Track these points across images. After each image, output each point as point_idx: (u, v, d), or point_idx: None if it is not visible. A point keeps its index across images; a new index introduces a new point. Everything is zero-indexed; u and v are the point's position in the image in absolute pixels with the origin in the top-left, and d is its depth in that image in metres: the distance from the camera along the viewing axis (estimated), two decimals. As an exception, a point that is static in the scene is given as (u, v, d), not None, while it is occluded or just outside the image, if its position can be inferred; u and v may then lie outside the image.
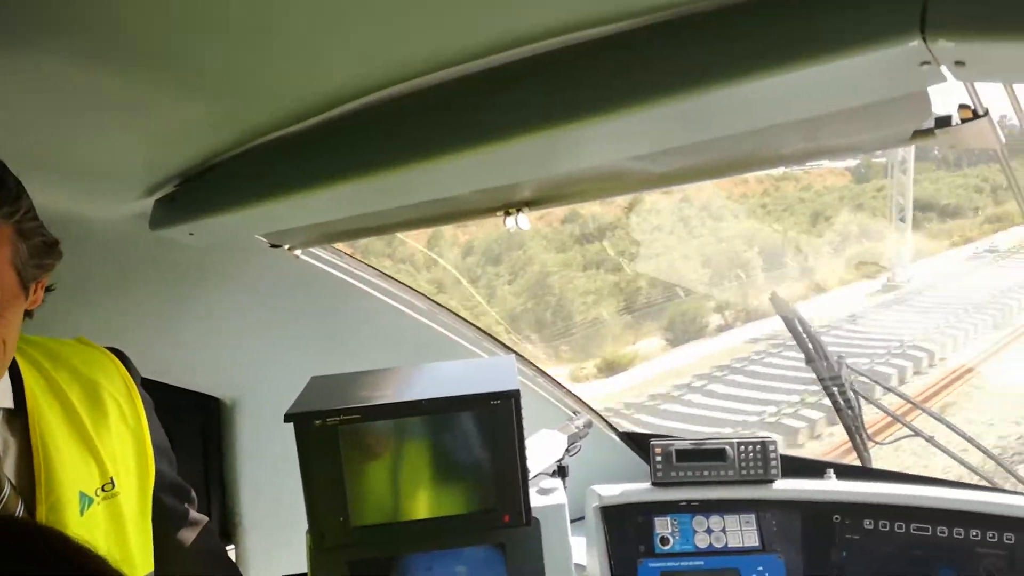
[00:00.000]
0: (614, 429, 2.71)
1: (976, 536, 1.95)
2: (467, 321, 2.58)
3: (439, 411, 1.78)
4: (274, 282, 2.29)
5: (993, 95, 1.13)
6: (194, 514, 1.68)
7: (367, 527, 1.79)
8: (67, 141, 1.55)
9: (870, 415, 2.60)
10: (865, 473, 2.48)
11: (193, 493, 1.71)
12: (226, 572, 1.79)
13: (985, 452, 2.43)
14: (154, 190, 1.90)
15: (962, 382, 10.94)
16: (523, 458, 1.82)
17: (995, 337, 13.32)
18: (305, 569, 1.83)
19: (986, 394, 10.47)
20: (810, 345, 2.45)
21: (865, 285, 19.49)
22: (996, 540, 1.93)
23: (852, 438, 2.52)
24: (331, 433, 1.73)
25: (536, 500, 2.00)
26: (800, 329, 2.40)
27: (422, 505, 1.83)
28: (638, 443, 2.72)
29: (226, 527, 2.38)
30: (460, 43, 1.13)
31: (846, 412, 2.51)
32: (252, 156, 1.69)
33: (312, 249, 2.25)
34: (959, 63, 0.85)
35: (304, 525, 1.81)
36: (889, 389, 2.86)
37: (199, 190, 1.85)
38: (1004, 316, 14.58)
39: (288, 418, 1.70)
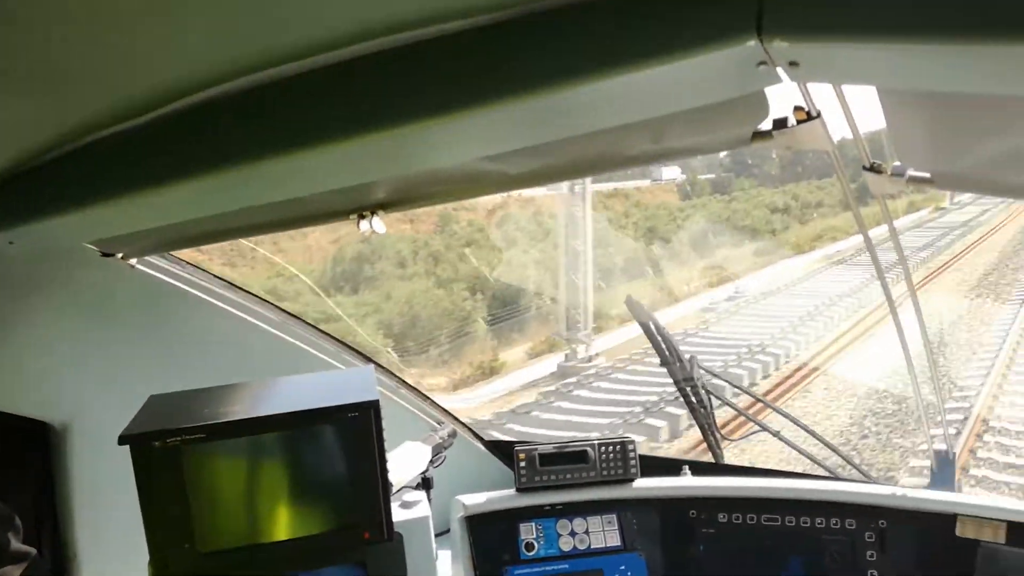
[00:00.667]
0: (480, 438, 2.68)
1: (821, 524, 2.06)
2: (324, 332, 2.48)
3: (293, 426, 1.70)
4: (107, 294, 2.10)
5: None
6: (17, 545, 1.51)
7: (216, 553, 1.67)
8: None
9: (729, 415, 2.73)
10: (719, 469, 2.59)
11: (18, 521, 1.54)
12: None
13: (827, 444, 2.59)
14: (-33, 192, 1.70)
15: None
16: (384, 471, 1.76)
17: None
18: (147, 604, 1.69)
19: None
20: (665, 348, 2.53)
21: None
22: (839, 527, 2.05)
23: (706, 436, 2.62)
24: (172, 454, 1.61)
25: (398, 514, 1.95)
26: (655, 333, 2.47)
27: (277, 526, 1.72)
28: (504, 451, 2.71)
29: (59, 562, 2.16)
30: (304, 36, 1.07)
31: (699, 411, 2.61)
32: (79, 156, 1.54)
33: (149, 258, 2.08)
34: (793, 64, 0.88)
35: (144, 556, 1.67)
36: (741, 389, 3.01)
37: (18, 194, 1.67)
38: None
39: (123, 440, 1.56)
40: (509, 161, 1.27)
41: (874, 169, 1.33)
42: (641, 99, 1.03)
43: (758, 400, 3.04)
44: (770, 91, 1.09)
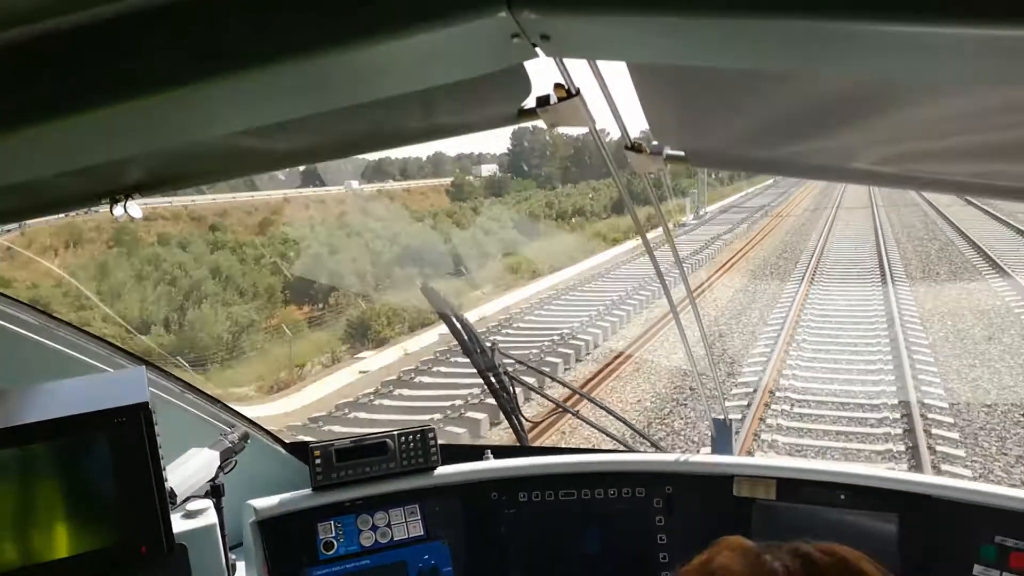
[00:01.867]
0: (279, 440, 2.56)
1: (614, 494, 2.16)
2: (93, 336, 2.25)
3: (56, 435, 1.53)
4: None
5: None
6: None
7: (-18, 577, 1.48)
8: None
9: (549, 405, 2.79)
10: (524, 452, 2.64)
11: None
12: None
13: (617, 417, 2.72)
14: None
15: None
16: (159, 479, 1.62)
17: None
18: None
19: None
20: (465, 337, 2.54)
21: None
22: (630, 495, 2.15)
23: (510, 420, 2.66)
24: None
25: (181, 524, 1.82)
26: (454, 320, 2.47)
27: (49, 546, 1.56)
28: (303, 451, 2.60)
29: None
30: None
31: (503, 397, 2.65)
32: None
33: None
34: (544, 36, 0.89)
35: None
36: (541, 372, 3.08)
37: None
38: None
39: None
40: (275, 137, 1.20)
41: (635, 148, 1.40)
42: (404, 69, 1.00)
43: (556, 381, 3.13)
44: (532, 68, 1.11)
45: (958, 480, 2.01)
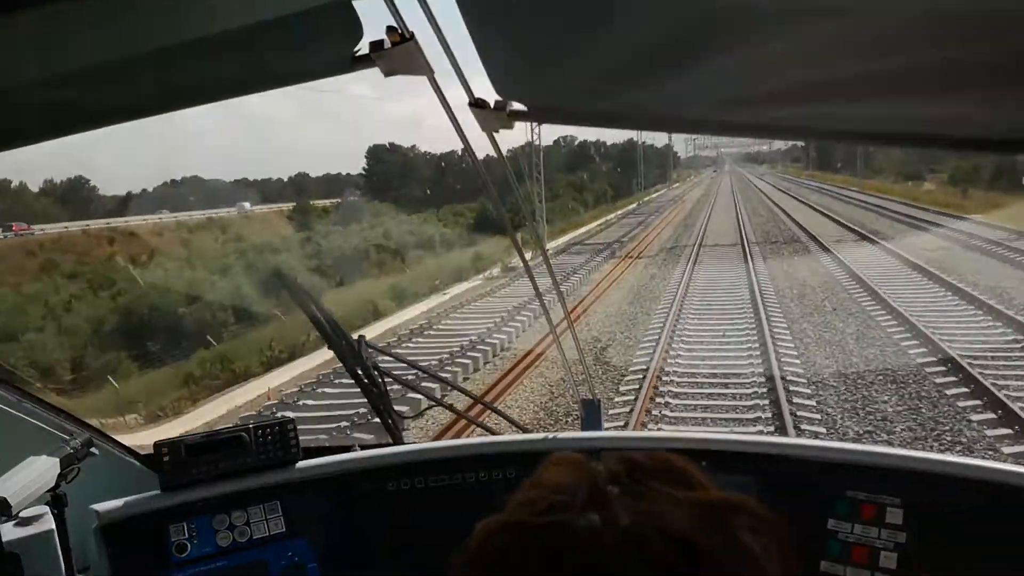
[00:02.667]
0: (128, 449, 2.39)
1: (484, 477, 2.13)
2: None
3: None
4: None
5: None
6: None
7: None
8: None
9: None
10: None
11: None
12: None
13: (479, 401, 2.70)
14: None
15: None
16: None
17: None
18: None
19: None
20: (329, 329, 2.45)
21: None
22: (501, 477, 2.13)
23: (380, 415, 2.58)
24: None
25: (12, 533, 1.67)
26: (315, 311, 2.37)
27: None
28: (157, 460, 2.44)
29: None
30: None
31: (372, 392, 2.57)
32: None
33: None
34: None
35: None
36: (412, 366, 3.02)
37: None
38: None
39: None
40: (85, 89, 1.10)
41: (478, 105, 1.40)
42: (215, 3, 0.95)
43: (426, 374, 3.09)
44: (363, 11, 1.09)
45: (811, 440, 2.11)
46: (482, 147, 1.73)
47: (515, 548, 0.63)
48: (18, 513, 1.77)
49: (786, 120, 1.21)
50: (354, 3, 1.01)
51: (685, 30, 0.99)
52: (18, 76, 1.03)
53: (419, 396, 2.70)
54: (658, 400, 9.73)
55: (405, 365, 3.12)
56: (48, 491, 1.90)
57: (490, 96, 1.37)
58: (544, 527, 0.63)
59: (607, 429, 2.55)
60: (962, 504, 1.78)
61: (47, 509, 1.80)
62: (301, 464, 2.08)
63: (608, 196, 62.81)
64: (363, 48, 1.14)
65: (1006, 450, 7.73)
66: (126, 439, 2.44)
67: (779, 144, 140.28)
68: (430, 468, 2.13)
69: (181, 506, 1.94)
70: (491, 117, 1.40)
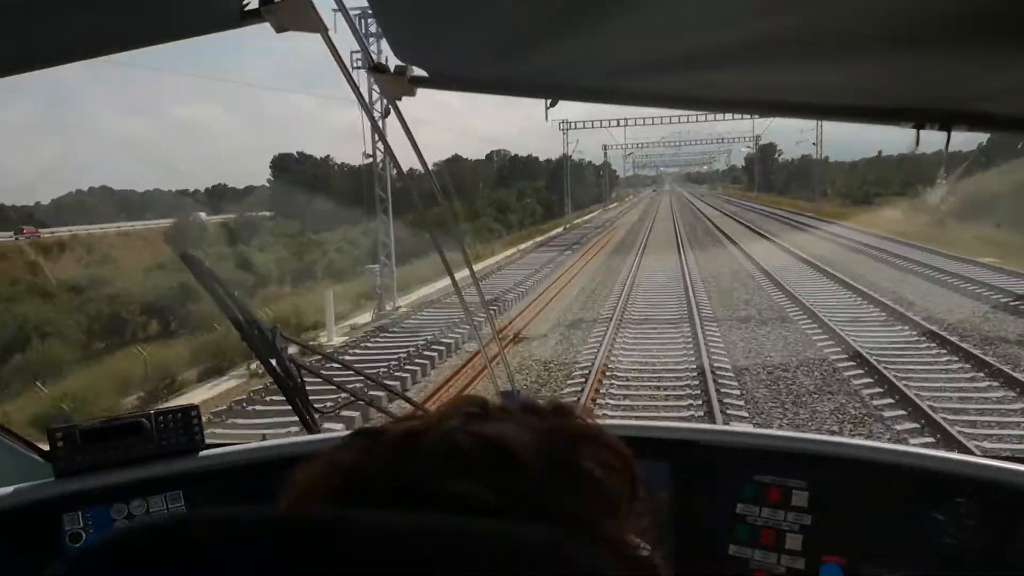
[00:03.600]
0: (13, 434, 2.24)
1: None
2: None
3: None
4: None
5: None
6: None
7: None
8: None
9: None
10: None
11: None
12: None
13: (384, 387, 2.67)
14: None
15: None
16: None
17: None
18: None
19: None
20: (240, 317, 2.36)
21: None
22: None
23: (294, 406, 2.51)
24: None
25: None
26: (226, 299, 2.28)
27: None
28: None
29: None
30: None
31: (287, 384, 2.51)
32: None
33: None
34: None
35: None
36: (328, 356, 2.97)
37: None
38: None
39: None
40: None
41: (379, 69, 1.38)
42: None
43: (342, 365, 3.04)
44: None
45: (720, 425, 2.14)
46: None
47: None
48: None
49: (680, 88, 1.23)
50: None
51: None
52: None
53: (335, 387, 2.64)
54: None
55: (321, 357, 3.06)
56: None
57: (391, 62, 1.35)
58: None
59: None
60: (864, 485, 1.82)
61: None
62: (205, 452, 2.01)
63: (538, 216, 58.38)
64: (252, 2, 1.12)
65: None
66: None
67: (719, 165, 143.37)
68: None
69: (76, 494, 1.85)
70: (392, 83, 1.38)
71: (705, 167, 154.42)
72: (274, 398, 10.96)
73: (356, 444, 0.64)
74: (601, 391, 10.77)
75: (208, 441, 2.04)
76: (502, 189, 65.16)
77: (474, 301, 2.46)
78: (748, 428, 1.96)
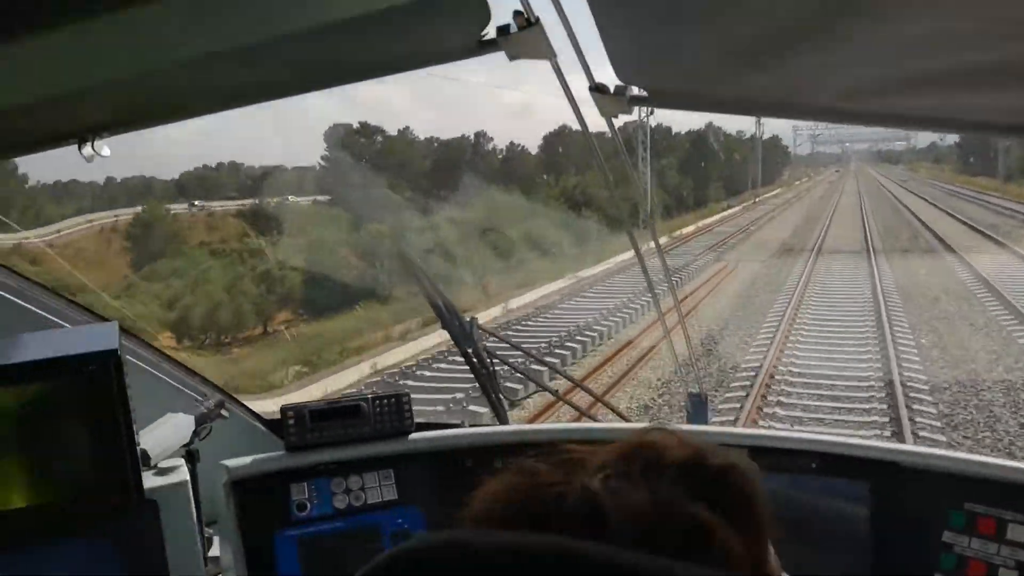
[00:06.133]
0: (251, 411, 2.56)
1: None
2: (70, 300, 2.26)
3: (24, 380, 1.53)
4: None
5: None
6: None
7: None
8: None
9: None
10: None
11: None
12: None
13: (584, 389, 2.74)
14: None
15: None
16: (130, 431, 1.63)
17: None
18: None
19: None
20: (444, 310, 2.54)
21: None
22: None
23: (487, 396, 2.66)
24: None
25: (153, 481, 1.82)
26: (432, 293, 2.47)
27: (15, 494, 1.56)
28: (279, 426, 2.60)
29: None
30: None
31: (481, 372, 2.65)
32: None
33: None
34: None
35: None
36: (523, 351, 3.09)
37: None
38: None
39: None
40: (233, 69, 1.21)
41: (599, 89, 1.42)
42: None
43: (532, 358, 3.14)
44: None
45: (927, 448, 2.03)
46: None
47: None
48: (156, 464, 1.94)
49: (918, 110, 1.17)
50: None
51: (810, 13, 0.98)
52: (169, 56, 1.13)
53: (525, 379, 2.74)
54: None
55: (512, 348, 3.19)
56: (183, 446, 2.07)
57: (610, 81, 1.39)
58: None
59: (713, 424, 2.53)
60: None
61: (183, 462, 1.96)
62: (414, 436, 2.17)
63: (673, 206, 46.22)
64: (490, 32, 1.19)
65: None
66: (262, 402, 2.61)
67: (917, 142, 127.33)
68: (533, 449, 2.17)
69: (303, 468, 2.06)
70: (611, 102, 1.42)
71: (901, 143, 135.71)
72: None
73: (557, 473, 0.71)
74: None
75: (417, 422, 2.21)
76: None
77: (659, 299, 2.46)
78: (956, 453, 1.83)
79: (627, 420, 2.56)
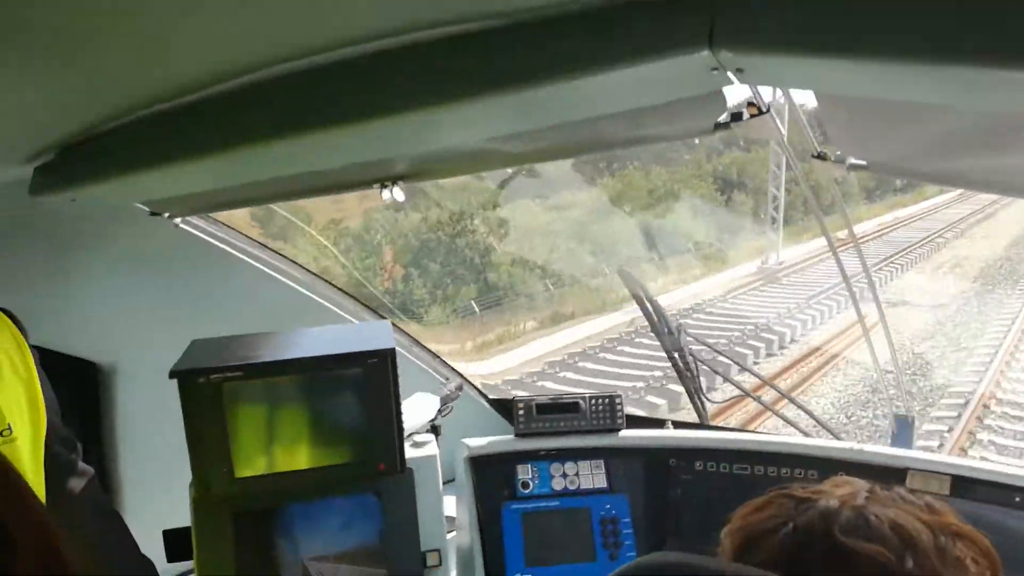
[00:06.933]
0: (483, 394, 2.92)
1: (786, 474, 2.29)
2: (345, 292, 2.72)
3: (319, 368, 1.93)
4: (153, 249, 2.36)
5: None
6: (82, 464, 1.75)
7: (250, 478, 1.91)
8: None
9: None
10: (703, 428, 2.81)
11: (79, 445, 1.78)
12: (110, 521, 1.87)
13: (792, 400, 2.81)
14: (33, 157, 1.93)
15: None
16: (398, 413, 1.99)
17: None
18: (186, 523, 1.93)
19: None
20: (655, 317, 2.74)
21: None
22: (802, 476, 2.27)
23: (692, 399, 2.84)
24: (215, 389, 1.84)
25: (410, 452, 2.17)
26: (646, 302, 2.68)
27: (303, 457, 1.97)
28: (504, 407, 2.95)
29: (105, 485, 2.42)
30: (331, 34, 1.28)
31: (686, 375, 2.83)
32: (133, 127, 1.76)
33: (192, 219, 2.32)
34: (740, 70, 1.08)
35: (182, 481, 1.91)
36: (727, 357, 3.22)
37: (80, 158, 1.90)
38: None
39: (173, 375, 1.80)
40: (509, 142, 1.48)
41: (821, 157, 1.53)
42: (615, 95, 1.23)
43: (737, 365, 3.25)
44: (727, 89, 1.30)
45: None
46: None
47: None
48: (411, 435, 2.32)
49: None
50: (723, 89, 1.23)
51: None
52: (462, 140, 1.42)
53: (728, 384, 2.88)
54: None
55: (716, 353, 3.32)
56: (429, 421, 2.45)
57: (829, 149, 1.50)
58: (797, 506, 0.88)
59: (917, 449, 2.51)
60: None
61: (432, 436, 2.34)
62: (623, 433, 2.41)
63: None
64: (724, 118, 1.36)
65: None
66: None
67: None
68: (735, 456, 2.34)
69: (528, 452, 2.38)
70: (830, 168, 1.54)
71: None
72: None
73: (778, 503, 0.90)
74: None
75: (629, 414, 2.45)
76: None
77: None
78: None
79: (833, 433, 2.62)
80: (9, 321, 1.58)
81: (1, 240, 2.09)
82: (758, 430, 8.28)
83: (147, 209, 2.20)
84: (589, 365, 12.43)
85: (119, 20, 1.22)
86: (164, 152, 1.71)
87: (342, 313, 2.67)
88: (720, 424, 2.83)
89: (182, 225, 2.30)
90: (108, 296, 2.33)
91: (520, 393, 2.62)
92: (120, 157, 1.82)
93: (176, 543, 1.95)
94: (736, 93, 1.26)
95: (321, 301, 2.61)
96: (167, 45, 1.36)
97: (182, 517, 1.93)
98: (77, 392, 2.40)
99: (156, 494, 2.38)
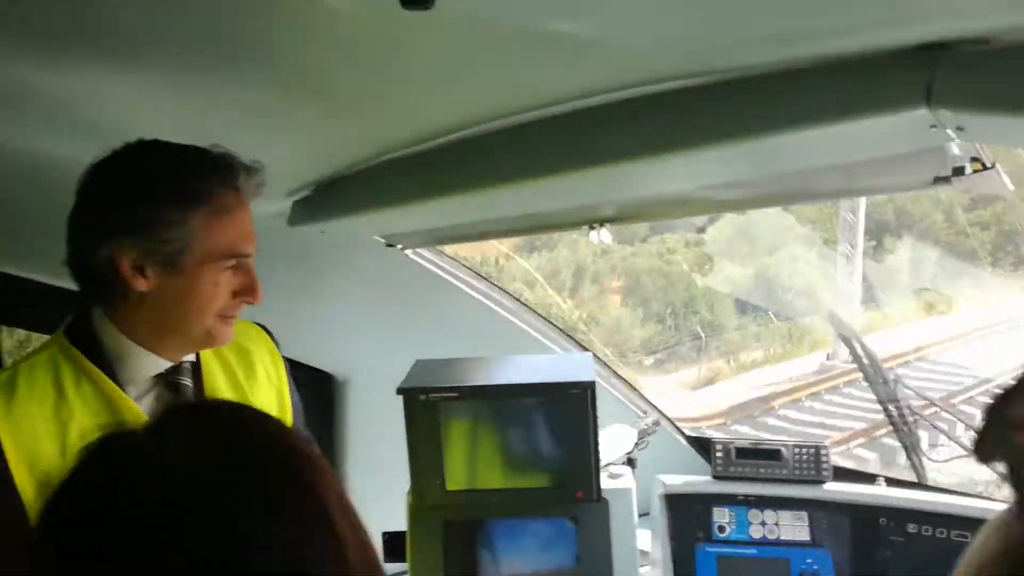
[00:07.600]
0: (679, 430, 2.92)
1: None
2: (549, 321, 2.85)
3: (526, 395, 2.06)
4: (386, 277, 2.63)
5: None
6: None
7: (459, 492, 2.08)
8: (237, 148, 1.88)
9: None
10: (916, 486, 2.62)
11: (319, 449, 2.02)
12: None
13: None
14: (293, 193, 2.25)
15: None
16: (596, 443, 2.07)
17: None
18: (402, 527, 2.13)
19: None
20: (868, 365, 2.60)
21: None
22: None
23: (908, 454, 2.66)
24: (433, 408, 2.03)
25: (606, 483, 2.24)
26: (859, 349, 2.56)
27: (507, 477, 2.11)
28: (702, 445, 2.93)
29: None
30: (560, 90, 1.41)
31: (902, 429, 2.66)
32: (379, 168, 2.02)
33: (420, 249, 2.57)
34: (959, 128, 1.07)
35: (399, 489, 2.11)
36: (934, 403, 2.97)
37: (331, 195, 2.19)
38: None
39: (400, 392, 2.00)
40: (719, 189, 1.53)
41: None
42: (833, 148, 1.25)
43: (963, 424, 2.98)
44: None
45: None
46: None
47: None
48: (607, 466, 2.38)
49: None
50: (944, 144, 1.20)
51: None
52: (668, 188, 1.49)
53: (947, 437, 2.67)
54: None
55: (938, 407, 3.08)
56: (626, 454, 2.50)
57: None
58: None
59: None
60: None
61: (629, 469, 2.38)
62: (829, 486, 2.32)
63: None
64: (945, 172, 1.32)
65: None
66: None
67: None
68: (955, 523, 2.16)
69: (725, 495, 2.35)
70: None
71: None
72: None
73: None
74: None
75: (835, 466, 2.36)
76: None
77: None
78: None
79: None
80: (266, 336, 1.84)
81: (263, 264, 2.43)
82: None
83: (383, 241, 2.47)
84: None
85: (393, 85, 1.43)
86: (403, 192, 1.94)
87: (544, 340, 2.80)
88: (942, 486, 2.61)
89: (412, 255, 2.55)
90: (346, 317, 2.64)
91: (717, 435, 2.59)
92: (365, 195, 2.08)
93: (393, 545, 2.14)
94: (958, 146, 1.22)
95: (527, 328, 2.76)
96: (425, 104, 1.57)
97: (395, 522, 2.12)
98: (315, 400, 2.71)
99: (375, 498, 2.62)
